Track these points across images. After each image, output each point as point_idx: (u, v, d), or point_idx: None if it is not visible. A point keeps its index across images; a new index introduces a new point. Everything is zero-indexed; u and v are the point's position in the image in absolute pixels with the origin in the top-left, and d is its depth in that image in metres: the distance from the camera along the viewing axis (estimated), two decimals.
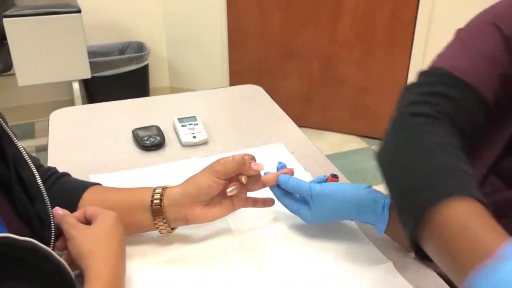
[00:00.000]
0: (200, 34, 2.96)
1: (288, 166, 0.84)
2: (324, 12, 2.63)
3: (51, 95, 2.92)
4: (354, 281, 0.73)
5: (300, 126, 1.19)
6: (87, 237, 0.65)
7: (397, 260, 0.77)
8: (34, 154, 2.76)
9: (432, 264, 0.68)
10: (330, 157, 1.07)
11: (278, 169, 0.84)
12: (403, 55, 2.59)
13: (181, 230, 0.81)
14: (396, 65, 2.62)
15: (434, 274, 0.75)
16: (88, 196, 0.78)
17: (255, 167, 0.76)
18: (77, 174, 0.94)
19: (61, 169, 0.86)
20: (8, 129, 0.66)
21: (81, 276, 0.64)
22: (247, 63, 2.92)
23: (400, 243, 0.78)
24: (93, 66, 2.56)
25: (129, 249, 0.77)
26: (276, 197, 0.82)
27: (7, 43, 2.20)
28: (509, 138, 0.74)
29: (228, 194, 0.76)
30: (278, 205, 0.83)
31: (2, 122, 0.66)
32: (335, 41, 2.68)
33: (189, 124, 1.13)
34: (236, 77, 2.97)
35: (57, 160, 1.03)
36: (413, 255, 0.75)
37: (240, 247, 0.79)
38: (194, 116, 1.16)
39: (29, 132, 2.83)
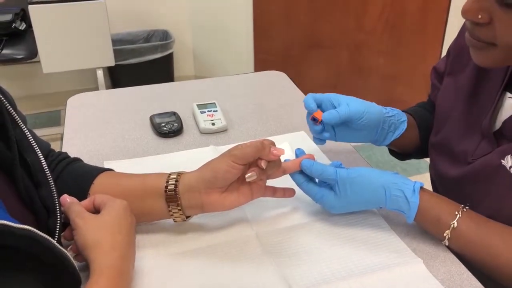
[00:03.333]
0: (225, 22, 2.92)
1: (311, 155, 0.79)
2: None
3: (76, 83, 2.93)
4: (380, 280, 0.67)
5: None
6: (93, 227, 0.62)
7: (427, 258, 0.72)
8: (59, 142, 2.75)
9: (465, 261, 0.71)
10: (357, 148, 1.01)
11: (297, 155, 0.80)
12: (434, 43, 2.49)
13: (196, 220, 0.77)
14: (426, 53, 2.52)
15: (469, 274, 0.69)
16: (99, 182, 0.74)
17: (275, 152, 0.71)
18: (91, 160, 0.92)
19: (75, 154, 0.83)
20: (14, 112, 0.63)
21: (87, 268, 0.60)
22: (273, 52, 2.86)
23: (431, 231, 0.74)
24: (118, 54, 2.55)
25: (141, 239, 0.74)
26: (298, 184, 0.78)
27: (32, 30, 2.20)
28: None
29: (247, 180, 0.71)
30: (297, 194, 0.79)
31: (8, 105, 0.62)
32: (363, 29, 2.60)
33: (208, 111, 1.08)
34: (261, 66, 2.91)
35: (72, 145, 1.00)
36: (446, 243, 0.72)
37: (257, 240, 0.75)
38: (214, 103, 1.12)
39: (55, 119, 2.85)
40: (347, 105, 0.81)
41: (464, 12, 0.65)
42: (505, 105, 0.75)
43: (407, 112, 0.94)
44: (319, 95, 0.83)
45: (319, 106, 0.83)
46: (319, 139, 0.86)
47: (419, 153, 0.97)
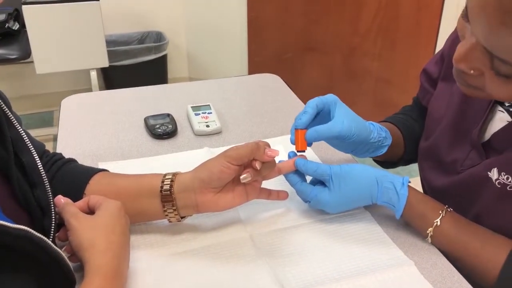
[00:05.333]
0: (220, 24, 2.92)
1: (303, 155, 0.80)
2: (346, 3, 2.56)
3: (70, 84, 2.92)
4: (372, 282, 0.68)
5: None
6: (88, 228, 0.62)
7: (419, 260, 0.72)
8: (51, 143, 2.72)
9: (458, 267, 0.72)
10: None
11: (290, 157, 0.81)
12: (427, 47, 2.51)
13: (190, 221, 0.78)
14: (419, 57, 2.54)
15: (459, 276, 0.70)
16: (95, 182, 0.74)
17: (269, 153, 0.72)
18: (86, 161, 0.92)
19: (70, 155, 0.83)
20: (9, 113, 0.63)
21: (82, 269, 0.60)
22: (267, 54, 2.87)
23: (416, 227, 0.76)
24: (112, 55, 2.54)
25: (135, 240, 0.74)
26: (293, 183, 0.79)
27: (26, 31, 2.19)
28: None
29: (242, 181, 0.72)
30: (291, 196, 0.80)
31: (4, 105, 0.63)
32: (357, 33, 2.61)
33: (202, 113, 1.09)
34: (256, 68, 2.92)
35: (66, 146, 1.00)
36: (429, 239, 0.74)
37: (251, 241, 0.75)
38: (208, 105, 1.12)
39: (47, 120, 2.84)
40: (342, 123, 0.78)
41: (457, 63, 0.63)
42: (495, 117, 0.75)
43: (396, 125, 0.93)
44: (322, 101, 0.80)
45: (319, 112, 0.80)
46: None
47: (405, 163, 0.98)
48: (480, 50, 0.59)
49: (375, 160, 1.00)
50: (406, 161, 0.98)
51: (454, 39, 0.85)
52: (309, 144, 0.80)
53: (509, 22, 0.53)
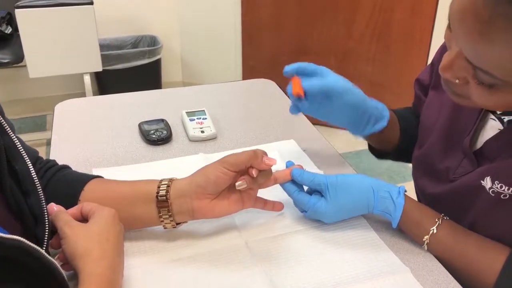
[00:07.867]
0: (214, 29, 2.92)
1: (300, 164, 0.81)
2: (341, 7, 2.56)
3: (63, 88, 2.90)
4: None
5: (314, 123, 1.14)
6: (81, 236, 0.61)
7: (415, 267, 0.72)
8: (44, 147, 2.69)
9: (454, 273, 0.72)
10: (344, 155, 1.02)
11: (287, 167, 0.81)
12: (421, 52, 2.52)
13: (185, 228, 0.77)
14: (413, 61, 2.55)
15: (456, 283, 0.70)
16: (90, 188, 0.74)
17: (266, 161, 0.72)
18: (80, 167, 0.91)
19: (63, 161, 0.82)
20: (2, 119, 0.62)
21: (75, 277, 0.60)
22: (261, 59, 2.87)
23: (412, 235, 0.76)
24: (105, 59, 2.54)
25: (130, 247, 0.73)
26: (290, 193, 0.79)
27: (19, 34, 2.18)
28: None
29: (237, 188, 0.72)
30: (287, 203, 0.80)
31: None
32: (352, 37, 2.62)
33: (197, 118, 1.08)
34: (250, 73, 2.92)
35: (60, 152, 0.99)
36: (425, 247, 0.74)
37: (247, 248, 0.75)
38: (203, 110, 1.12)
39: (40, 124, 2.82)
40: (334, 79, 0.81)
41: (442, 72, 0.65)
42: (487, 126, 0.75)
43: (394, 113, 0.95)
44: (307, 66, 0.83)
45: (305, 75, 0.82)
46: (295, 107, 0.86)
47: (397, 155, 0.98)
48: (464, 59, 0.60)
49: (369, 148, 1.00)
50: (398, 155, 0.97)
51: (444, 47, 0.85)
52: (305, 93, 0.80)
53: (487, 33, 0.54)
